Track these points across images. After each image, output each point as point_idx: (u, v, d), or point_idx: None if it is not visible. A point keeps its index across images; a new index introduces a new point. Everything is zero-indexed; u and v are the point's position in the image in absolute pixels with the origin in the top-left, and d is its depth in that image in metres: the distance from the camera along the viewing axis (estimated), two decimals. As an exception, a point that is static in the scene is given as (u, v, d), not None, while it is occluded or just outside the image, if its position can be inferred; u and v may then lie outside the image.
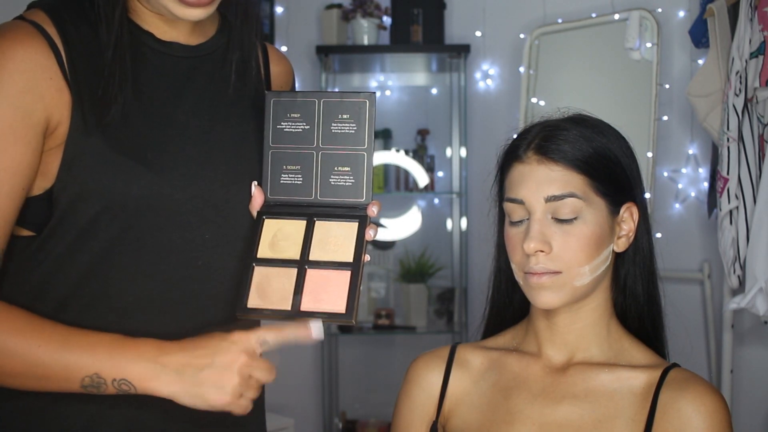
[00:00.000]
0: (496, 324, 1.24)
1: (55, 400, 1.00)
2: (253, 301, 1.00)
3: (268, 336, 0.96)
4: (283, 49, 3.32)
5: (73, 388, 0.96)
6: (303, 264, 1.01)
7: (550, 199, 1.08)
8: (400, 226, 3.38)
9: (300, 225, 1.04)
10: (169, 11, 1.02)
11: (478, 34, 3.28)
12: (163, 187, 1.01)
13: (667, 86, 2.92)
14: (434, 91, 3.45)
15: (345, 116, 1.01)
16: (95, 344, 0.95)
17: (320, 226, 1.04)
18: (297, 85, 3.61)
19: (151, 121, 1.03)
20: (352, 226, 1.03)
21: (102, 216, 0.99)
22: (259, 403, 1.15)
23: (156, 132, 1.02)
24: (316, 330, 0.96)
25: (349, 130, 1.02)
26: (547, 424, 1.10)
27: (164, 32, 1.07)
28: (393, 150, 3.28)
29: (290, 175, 1.04)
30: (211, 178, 1.05)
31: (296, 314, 0.98)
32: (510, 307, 1.22)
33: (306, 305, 0.99)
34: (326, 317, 0.98)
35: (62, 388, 0.96)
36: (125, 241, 1.00)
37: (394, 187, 3.29)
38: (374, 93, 1.01)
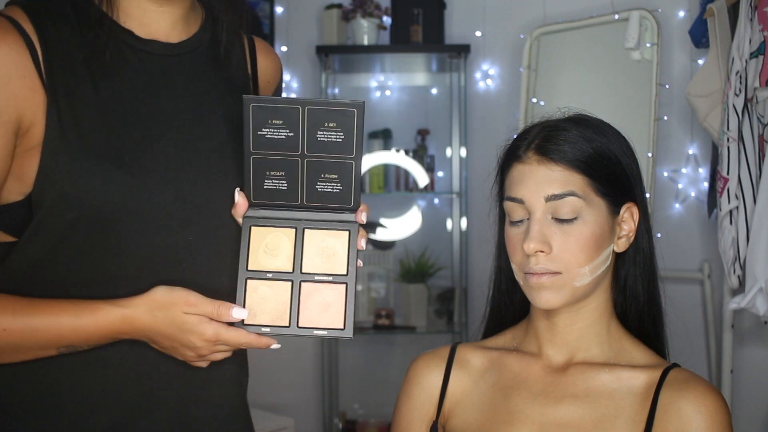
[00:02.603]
0: (497, 324, 1.24)
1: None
2: (250, 318, 0.99)
3: (230, 340, 0.99)
4: (283, 49, 3.31)
5: (49, 355, 0.99)
6: (297, 277, 1.01)
7: (550, 199, 1.08)
8: (400, 226, 3.38)
9: (289, 234, 1.02)
10: None
11: (478, 34, 3.28)
12: (142, 191, 0.99)
13: (667, 86, 2.92)
14: (434, 91, 3.45)
15: (332, 125, 0.98)
16: (59, 324, 0.97)
17: (310, 236, 1.03)
18: (297, 85, 3.59)
19: (129, 122, 1.00)
20: (343, 236, 1.02)
21: (80, 220, 0.97)
22: (241, 402, 1.16)
23: (134, 133, 1.00)
24: (275, 346, 1.00)
25: (336, 138, 0.98)
26: (547, 423, 1.10)
27: (145, 28, 1.04)
28: (393, 150, 3.28)
29: (274, 181, 1.01)
30: (192, 179, 1.03)
31: (294, 331, 0.99)
32: (510, 307, 1.22)
33: (304, 321, 0.99)
34: (325, 333, 0.99)
35: (40, 357, 0.99)
36: (106, 245, 0.99)
37: (394, 187, 3.29)
38: (363, 102, 0.97)
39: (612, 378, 1.11)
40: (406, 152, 3.28)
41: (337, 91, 3.42)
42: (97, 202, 0.97)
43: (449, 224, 3.38)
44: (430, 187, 3.29)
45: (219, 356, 1.00)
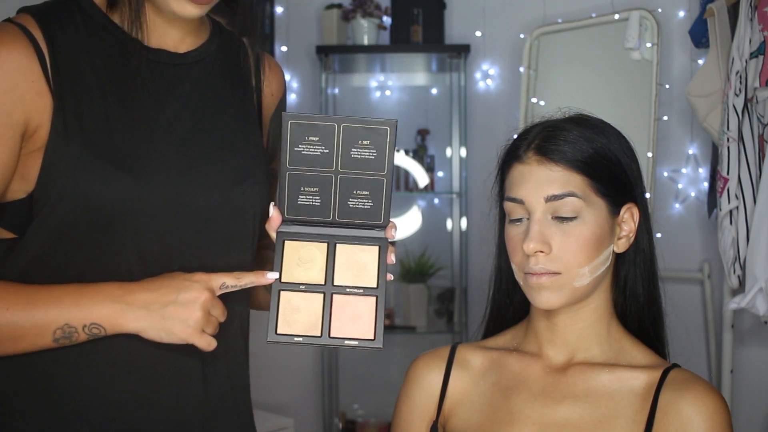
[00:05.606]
0: (497, 324, 1.24)
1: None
2: (283, 328, 1.01)
3: (227, 280, 1.01)
4: (283, 49, 3.31)
5: (45, 344, 0.98)
6: (329, 289, 1.03)
7: (550, 199, 1.08)
8: (400, 226, 3.37)
9: (321, 248, 1.05)
10: (169, 8, 1.03)
11: (478, 34, 3.28)
12: (142, 192, 1.01)
13: (667, 86, 2.92)
14: (434, 91, 3.45)
15: (365, 142, 1.00)
16: (60, 296, 0.97)
17: (342, 250, 1.05)
18: (297, 85, 3.58)
19: (132, 126, 1.03)
20: (373, 251, 1.04)
21: (80, 219, 0.99)
22: (244, 395, 1.16)
23: (137, 137, 1.03)
24: (272, 275, 1.02)
25: (369, 155, 1.01)
26: (547, 424, 1.10)
27: (154, 38, 1.07)
28: (393, 150, 3.27)
29: (308, 197, 1.03)
30: (192, 183, 1.05)
31: (326, 341, 1.01)
32: (510, 307, 1.22)
33: (335, 331, 1.01)
34: (356, 343, 1.01)
35: (36, 346, 0.98)
36: (104, 244, 1.01)
37: (394, 187, 3.28)
38: (396, 121, 1.00)
39: (612, 378, 1.11)
40: (406, 152, 3.28)
41: (337, 91, 3.42)
42: (97, 201, 0.99)
43: (449, 224, 3.38)
44: (430, 187, 3.29)
45: (217, 312, 1.01)
